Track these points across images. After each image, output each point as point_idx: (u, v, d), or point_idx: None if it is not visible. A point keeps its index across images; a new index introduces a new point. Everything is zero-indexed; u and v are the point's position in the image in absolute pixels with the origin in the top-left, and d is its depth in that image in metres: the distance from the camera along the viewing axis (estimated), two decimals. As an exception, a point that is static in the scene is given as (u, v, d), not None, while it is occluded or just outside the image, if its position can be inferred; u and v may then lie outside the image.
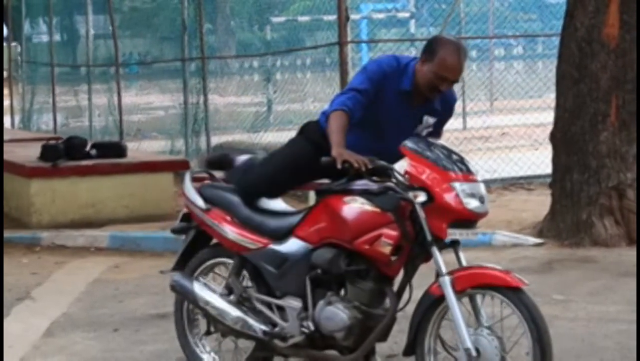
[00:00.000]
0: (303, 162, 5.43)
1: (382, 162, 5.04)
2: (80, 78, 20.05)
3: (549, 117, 10.31)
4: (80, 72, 20.23)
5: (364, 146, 5.19)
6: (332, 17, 13.03)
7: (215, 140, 16.00)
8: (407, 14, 21.21)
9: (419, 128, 5.33)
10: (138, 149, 15.19)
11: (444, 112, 5.42)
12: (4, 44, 22.06)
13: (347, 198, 5.10)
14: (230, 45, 19.86)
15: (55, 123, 19.81)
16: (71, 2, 20.83)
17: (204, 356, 5.86)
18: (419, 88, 5.23)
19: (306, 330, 5.22)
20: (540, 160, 12.15)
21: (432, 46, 5.21)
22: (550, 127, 9.65)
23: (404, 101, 5.28)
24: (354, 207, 5.06)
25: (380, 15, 20.45)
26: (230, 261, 5.67)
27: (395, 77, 5.25)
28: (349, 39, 12.35)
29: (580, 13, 9.17)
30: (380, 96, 5.24)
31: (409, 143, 5.03)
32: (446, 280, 4.82)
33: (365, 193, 5.05)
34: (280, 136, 15.51)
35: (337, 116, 5.14)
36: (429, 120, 5.34)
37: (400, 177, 4.98)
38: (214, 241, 5.80)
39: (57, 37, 21.21)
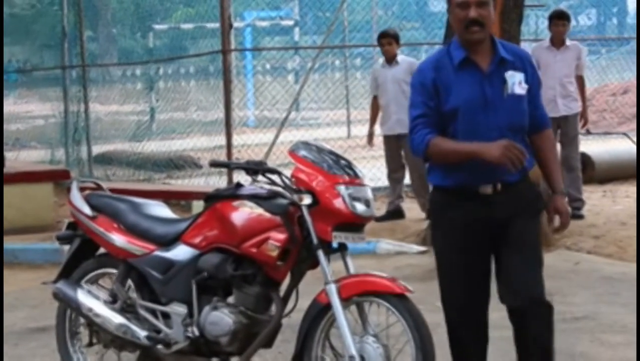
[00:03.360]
0: (468, 256, 4.85)
1: (272, 167, 5.07)
2: (-44, 86, 19.57)
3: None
4: (-44, 81, 19.74)
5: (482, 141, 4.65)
6: (216, 25, 12.98)
7: (97, 149, 15.79)
8: (291, 22, 21.31)
9: (509, 88, 4.70)
10: (17, 159, 14.91)
11: (523, 66, 4.77)
12: None
13: (235, 203, 5.11)
14: (112, 52, 19.68)
15: None
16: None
17: (85, 369, 5.75)
18: (468, 46, 4.73)
19: (191, 336, 5.18)
20: (423, 168, 12.22)
21: None
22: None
23: (472, 71, 4.72)
24: (242, 211, 5.07)
25: (264, 23, 20.47)
26: (115, 271, 5.60)
27: (446, 59, 4.76)
28: (232, 46, 12.33)
29: (461, 22, 9.26)
30: (446, 90, 4.71)
31: (295, 147, 5.06)
32: (332, 288, 4.83)
33: (254, 198, 5.07)
34: (162, 145, 15.39)
35: (435, 143, 4.65)
36: (515, 75, 4.72)
37: (287, 181, 4.99)
38: (100, 251, 5.72)
39: None
